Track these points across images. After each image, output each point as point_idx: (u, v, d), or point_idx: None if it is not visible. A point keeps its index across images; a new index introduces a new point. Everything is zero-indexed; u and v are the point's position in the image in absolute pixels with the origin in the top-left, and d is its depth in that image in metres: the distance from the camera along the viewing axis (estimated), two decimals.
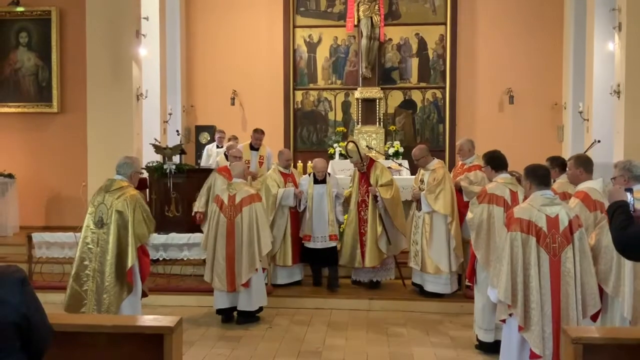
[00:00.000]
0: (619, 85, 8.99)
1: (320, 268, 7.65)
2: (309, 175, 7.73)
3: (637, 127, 8.72)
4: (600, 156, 9.46)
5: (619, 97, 9.02)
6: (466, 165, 7.31)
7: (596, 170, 7.75)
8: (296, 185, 7.60)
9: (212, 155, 9.86)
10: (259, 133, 8.81)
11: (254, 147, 8.78)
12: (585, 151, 8.66)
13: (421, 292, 7.14)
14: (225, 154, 8.58)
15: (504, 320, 4.23)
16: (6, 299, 2.20)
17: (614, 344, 3.07)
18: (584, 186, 4.91)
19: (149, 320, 3.55)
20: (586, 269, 4.07)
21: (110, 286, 4.99)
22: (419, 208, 7.02)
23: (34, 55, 10.15)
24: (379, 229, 7.20)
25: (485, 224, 5.33)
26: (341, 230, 7.50)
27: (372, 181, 7.32)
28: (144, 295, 5.32)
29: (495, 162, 5.59)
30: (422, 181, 7.08)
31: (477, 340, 5.61)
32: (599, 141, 8.78)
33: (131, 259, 4.97)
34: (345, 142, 8.61)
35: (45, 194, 10.31)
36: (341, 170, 10.40)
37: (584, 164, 5.08)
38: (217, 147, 10.11)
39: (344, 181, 8.27)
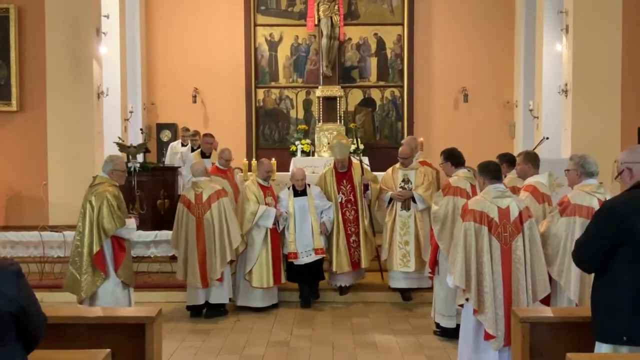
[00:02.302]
0: (566, 85, 9.49)
1: (309, 286, 7.16)
2: (288, 188, 7.26)
3: (584, 124, 9.22)
4: (549, 152, 9.97)
5: (566, 96, 9.51)
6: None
7: (545, 165, 8.22)
8: (275, 199, 7.10)
9: (178, 154, 9.90)
10: (209, 137, 8.64)
11: (205, 155, 8.59)
12: (534, 148, 9.10)
13: (404, 297, 7.08)
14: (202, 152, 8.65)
15: (462, 305, 4.56)
16: (2, 290, 2.33)
17: (556, 322, 3.43)
18: (532, 180, 5.31)
19: (130, 311, 3.72)
20: (536, 257, 4.42)
21: (86, 271, 5.43)
22: (406, 208, 6.91)
23: None
24: (366, 222, 7.12)
25: (450, 216, 5.60)
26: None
27: (355, 180, 7.17)
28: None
29: (455, 158, 5.90)
30: (406, 181, 6.97)
31: (437, 326, 5.93)
32: (547, 138, 9.24)
33: (95, 247, 5.40)
34: (333, 138, 8.57)
35: (4, 193, 10.15)
36: (310, 169, 10.18)
37: (532, 160, 5.49)
38: (182, 145, 10.15)
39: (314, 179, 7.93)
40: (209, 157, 8.48)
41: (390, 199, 7.01)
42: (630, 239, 2.99)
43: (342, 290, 7.30)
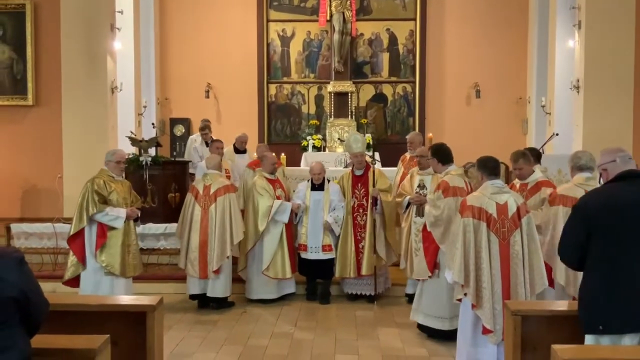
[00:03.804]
0: (578, 81, 9.44)
1: (316, 280, 7.14)
2: (308, 181, 7.20)
3: (595, 120, 9.17)
4: (561, 148, 9.94)
5: (578, 92, 9.47)
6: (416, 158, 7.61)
7: (555, 161, 8.25)
8: (284, 191, 7.12)
9: (194, 147, 9.75)
10: (218, 142, 8.57)
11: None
12: (544, 144, 9.11)
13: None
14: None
15: (460, 300, 4.61)
16: (5, 277, 2.44)
17: (547, 315, 3.48)
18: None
19: (131, 299, 3.82)
20: (533, 251, 4.47)
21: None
22: (420, 214, 6.37)
23: (8, 48, 10.20)
24: (377, 230, 6.87)
25: (454, 217, 5.32)
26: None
27: (370, 187, 6.91)
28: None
29: (442, 155, 5.80)
30: (421, 186, 6.54)
31: (419, 327, 5.84)
32: (557, 134, 9.22)
33: (71, 230, 5.80)
34: (349, 134, 8.29)
35: (20, 186, 10.39)
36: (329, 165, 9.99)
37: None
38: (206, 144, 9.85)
39: (335, 174, 7.83)
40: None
41: (408, 204, 6.66)
42: (597, 231, 3.08)
43: (350, 297, 7.11)
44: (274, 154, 7.61)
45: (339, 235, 7.02)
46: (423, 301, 5.70)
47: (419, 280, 5.89)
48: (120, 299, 4.11)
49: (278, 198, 7.01)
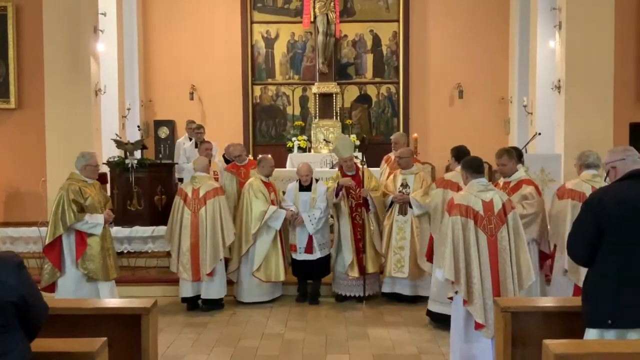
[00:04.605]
0: (559, 81, 9.58)
1: (306, 281, 7.17)
2: (296, 182, 7.22)
3: (576, 120, 9.30)
4: (543, 148, 10.10)
5: (559, 92, 9.61)
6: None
7: (537, 160, 8.38)
8: (276, 195, 7.15)
9: (182, 149, 9.70)
10: (208, 143, 8.35)
11: None
12: (527, 143, 9.24)
13: (400, 299, 6.92)
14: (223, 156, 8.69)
15: (451, 298, 4.69)
16: (4, 281, 2.45)
17: (535, 311, 3.56)
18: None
19: (126, 302, 3.82)
20: (519, 246, 4.61)
21: (47, 261, 5.80)
22: (403, 212, 6.83)
23: None
24: (373, 228, 6.97)
25: (440, 207, 5.79)
26: (332, 239, 7.12)
27: (365, 184, 6.95)
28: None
29: (458, 155, 5.96)
30: (404, 185, 6.89)
31: (428, 313, 6.17)
32: (539, 134, 9.35)
33: (46, 239, 5.77)
34: (335, 138, 8.38)
35: (3, 190, 10.26)
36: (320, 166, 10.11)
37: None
38: (189, 139, 9.63)
39: (321, 175, 7.90)
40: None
41: (391, 203, 6.93)
42: (609, 227, 3.13)
43: (339, 298, 7.13)
44: (270, 156, 7.52)
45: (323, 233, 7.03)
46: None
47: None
48: (114, 302, 4.10)
49: (272, 203, 7.01)
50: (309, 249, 6.95)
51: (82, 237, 5.73)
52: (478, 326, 4.49)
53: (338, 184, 6.97)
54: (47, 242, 5.72)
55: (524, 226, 4.94)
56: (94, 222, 5.73)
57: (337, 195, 6.94)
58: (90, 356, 2.79)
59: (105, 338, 2.96)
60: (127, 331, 3.54)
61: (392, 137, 8.07)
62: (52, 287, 5.79)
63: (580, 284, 4.74)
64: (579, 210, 4.92)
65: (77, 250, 5.71)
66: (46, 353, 2.74)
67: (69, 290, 5.71)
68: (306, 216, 6.92)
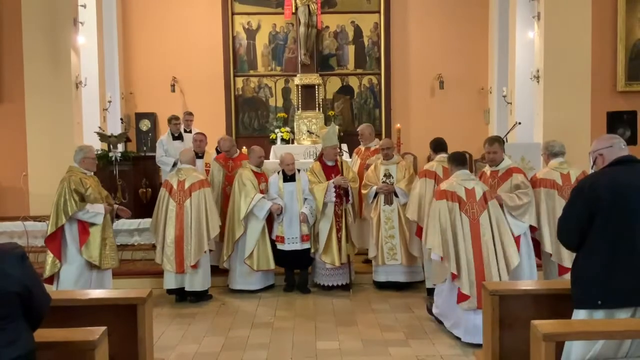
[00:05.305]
0: (538, 71, 9.75)
1: (294, 271, 7.25)
2: (278, 173, 7.25)
3: (555, 109, 9.50)
4: (522, 137, 10.27)
5: (538, 82, 9.78)
6: (371, 148, 7.90)
7: (517, 149, 8.54)
8: (267, 184, 7.18)
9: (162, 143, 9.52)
10: (200, 135, 8.29)
11: (198, 155, 7.93)
12: (507, 133, 9.41)
13: (397, 287, 7.03)
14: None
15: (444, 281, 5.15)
16: (9, 272, 2.48)
17: (523, 294, 3.69)
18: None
19: (121, 292, 3.86)
20: (503, 231, 5.19)
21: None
22: (389, 202, 6.97)
23: None
24: (350, 219, 7.12)
25: (423, 195, 6.35)
26: (315, 230, 7.17)
27: (346, 175, 7.11)
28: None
29: (433, 145, 6.75)
30: (387, 175, 7.05)
31: (428, 292, 6.49)
32: (519, 123, 9.51)
33: (49, 229, 5.81)
34: (320, 128, 8.56)
35: None
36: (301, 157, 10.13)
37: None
38: (185, 131, 9.31)
39: (305, 166, 7.96)
40: (202, 157, 8.09)
41: (375, 194, 7.05)
42: (600, 211, 3.24)
43: (323, 288, 7.20)
44: (259, 147, 7.55)
45: (313, 224, 7.14)
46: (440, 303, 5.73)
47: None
48: (111, 293, 4.14)
49: (261, 192, 7.07)
50: (306, 237, 7.02)
51: (84, 227, 5.83)
52: (462, 297, 4.92)
53: (332, 184, 7.04)
54: (48, 232, 5.79)
55: (521, 215, 5.31)
56: (95, 211, 5.80)
57: (339, 196, 7.03)
58: (91, 344, 2.83)
59: (105, 327, 3.00)
60: (123, 321, 3.59)
61: (358, 129, 8.17)
62: (50, 280, 5.81)
63: (564, 264, 5.04)
64: (552, 197, 5.38)
65: (81, 239, 5.81)
66: (48, 343, 2.78)
67: (71, 280, 5.80)
68: (307, 210, 6.99)
